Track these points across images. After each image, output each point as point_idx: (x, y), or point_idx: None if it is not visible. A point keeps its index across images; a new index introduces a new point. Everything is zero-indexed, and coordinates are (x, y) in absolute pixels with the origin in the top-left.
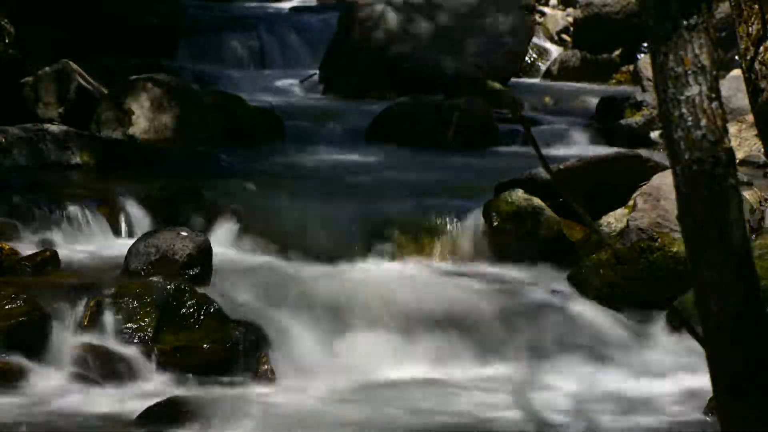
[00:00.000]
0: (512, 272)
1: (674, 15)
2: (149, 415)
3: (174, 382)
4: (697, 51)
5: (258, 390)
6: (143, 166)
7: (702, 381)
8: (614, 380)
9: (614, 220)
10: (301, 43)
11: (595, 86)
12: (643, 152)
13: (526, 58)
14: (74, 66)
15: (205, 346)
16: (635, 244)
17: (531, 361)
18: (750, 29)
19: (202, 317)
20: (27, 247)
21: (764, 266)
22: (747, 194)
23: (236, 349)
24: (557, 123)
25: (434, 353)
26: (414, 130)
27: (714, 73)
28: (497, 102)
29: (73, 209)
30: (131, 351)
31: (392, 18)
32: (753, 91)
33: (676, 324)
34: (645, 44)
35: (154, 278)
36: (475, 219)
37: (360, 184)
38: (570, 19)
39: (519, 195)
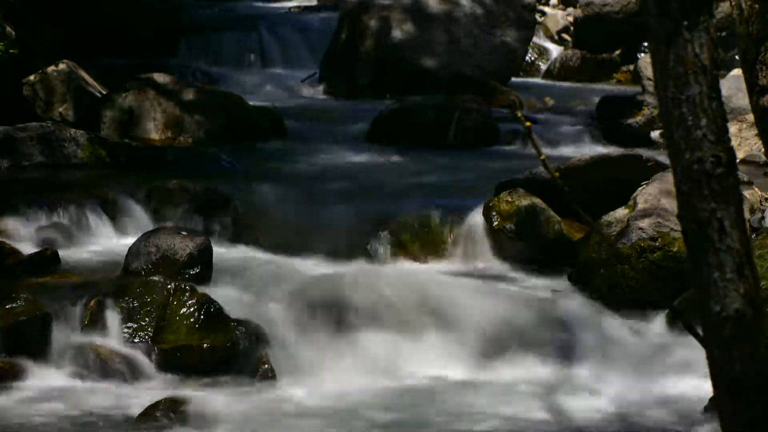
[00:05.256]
0: (512, 272)
1: (675, 15)
2: (149, 415)
3: (174, 382)
4: (697, 50)
5: (258, 390)
6: (143, 166)
7: (702, 381)
8: (614, 380)
9: (614, 219)
10: (301, 43)
11: (595, 86)
12: (643, 152)
13: (527, 58)
14: (75, 66)
15: (205, 346)
16: (635, 244)
17: (530, 361)
18: (750, 29)
19: (202, 317)
20: (27, 247)
21: (764, 266)
22: (747, 194)
23: (236, 349)
24: (557, 123)
25: (435, 353)
26: (414, 129)
27: (714, 72)
28: (497, 102)
29: (73, 209)
30: (131, 351)
31: (392, 18)
32: (753, 90)
33: (676, 324)
34: (645, 44)
35: (155, 278)
36: (475, 219)
37: (360, 184)
38: (570, 19)
39: (519, 195)
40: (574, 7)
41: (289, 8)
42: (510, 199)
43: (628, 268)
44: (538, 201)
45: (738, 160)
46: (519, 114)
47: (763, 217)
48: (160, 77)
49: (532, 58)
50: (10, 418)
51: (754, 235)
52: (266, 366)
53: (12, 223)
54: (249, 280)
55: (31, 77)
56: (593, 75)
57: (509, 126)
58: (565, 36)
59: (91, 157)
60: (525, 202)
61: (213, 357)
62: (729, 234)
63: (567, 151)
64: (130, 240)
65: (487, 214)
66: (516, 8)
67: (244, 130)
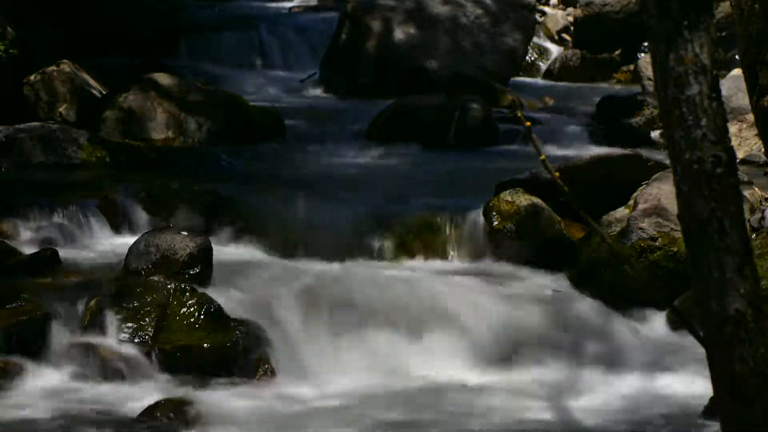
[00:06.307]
0: (513, 272)
1: (675, 15)
2: (149, 414)
3: (174, 382)
4: (697, 50)
5: (258, 390)
6: (143, 166)
7: (702, 381)
8: (615, 379)
9: (615, 219)
10: (301, 43)
11: (595, 86)
12: (643, 152)
13: (527, 58)
14: (75, 66)
15: (205, 346)
16: (635, 244)
17: (533, 360)
18: (750, 29)
19: (202, 317)
20: (27, 247)
21: (764, 266)
22: (747, 194)
23: (236, 349)
24: (557, 123)
25: (437, 353)
26: (414, 129)
27: (714, 72)
28: (497, 102)
29: (73, 209)
30: (131, 351)
31: (393, 19)
32: (753, 90)
33: (677, 324)
34: (645, 44)
35: (155, 278)
36: (475, 219)
37: (360, 184)
38: (570, 19)
39: (519, 195)
40: (574, 7)
41: (289, 8)
42: (510, 199)
43: (629, 268)
44: (538, 201)
45: (738, 160)
46: (519, 114)
47: (763, 217)
48: (161, 77)
49: (532, 58)
50: (10, 417)
51: (754, 235)
52: (266, 366)
53: (12, 223)
54: (249, 280)
55: (32, 77)
56: (593, 75)
57: (509, 126)
58: (565, 36)
59: (91, 157)
60: (525, 202)
61: (213, 357)
62: (729, 234)
63: (567, 150)
64: (130, 240)
65: (487, 214)
66: (516, 8)
67: (244, 130)
